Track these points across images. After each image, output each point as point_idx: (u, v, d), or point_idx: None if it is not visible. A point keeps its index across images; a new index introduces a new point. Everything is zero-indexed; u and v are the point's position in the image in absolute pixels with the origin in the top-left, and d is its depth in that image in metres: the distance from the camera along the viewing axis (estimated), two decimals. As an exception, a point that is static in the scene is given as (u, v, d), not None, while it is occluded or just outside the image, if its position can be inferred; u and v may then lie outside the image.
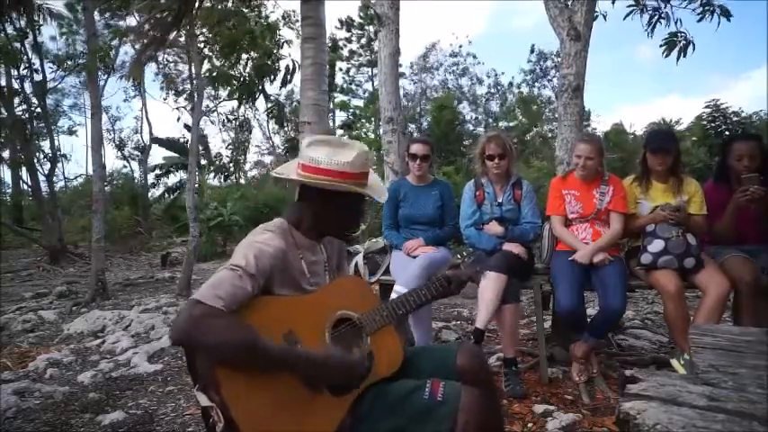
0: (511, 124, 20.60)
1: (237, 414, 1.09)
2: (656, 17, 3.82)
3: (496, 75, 21.95)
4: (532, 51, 20.81)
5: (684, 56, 3.74)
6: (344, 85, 23.46)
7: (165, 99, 17.76)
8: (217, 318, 1.09)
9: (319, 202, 1.37)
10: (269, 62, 7.33)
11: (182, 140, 17.65)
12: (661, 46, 3.76)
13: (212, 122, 19.18)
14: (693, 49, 3.72)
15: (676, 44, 3.72)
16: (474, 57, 22.00)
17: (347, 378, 1.25)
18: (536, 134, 19.99)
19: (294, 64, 6.63)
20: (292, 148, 17.30)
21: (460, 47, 21.91)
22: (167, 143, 17.51)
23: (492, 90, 22.10)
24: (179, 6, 4.26)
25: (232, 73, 7.73)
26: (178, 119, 18.23)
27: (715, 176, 2.96)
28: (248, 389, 1.13)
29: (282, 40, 7.41)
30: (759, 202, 2.53)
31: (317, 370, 1.20)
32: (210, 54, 7.76)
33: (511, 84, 22.16)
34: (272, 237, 1.32)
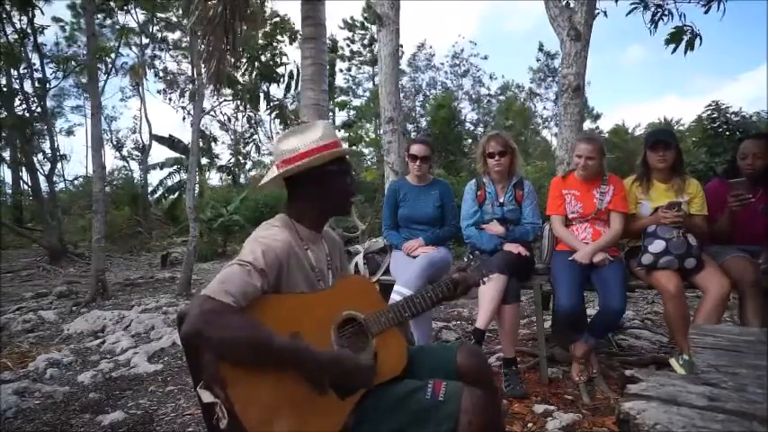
0: (508, 123, 20.57)
1: (242, 411, 1.09)
2: (658, 14, 3.78)
3: (503, 78, 21.93)
4: (541, 49, 20.69)
5: (692, 49, 3.66)
6: (345, 85, 23.48)
7: (170, 100, 17.77)
8: (227, 314, 1.09)
9: (308, 187, 1.40)
10: (272, 63, 7.33)
11: (185, 143, 17.63)
12: (666, 41, 3.72)
13: (219, 122, 19.13)
14: (701, 42, 3.65)
15: (682, 38, 3.67)
16: (484, 57, 22.02)
17: (352, 381, 1.24)
18: (531, 132, 20.03)
19: (297, 69, 6.66)
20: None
21: (462, 50, 21.90)
22: (169, 142, 17.48)
23: (493, 93, 22.00)
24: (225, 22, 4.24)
25: (235, 75, 7.72)
26: (184, 118, 18.15)
27: (723, 173, 2.96)
28: (254, 386, 1.13)
29: (285, 42, 7.38)
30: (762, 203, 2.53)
31: (324, 369, 1.19)
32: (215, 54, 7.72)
33: (518, 86, 22.14)
34: (278, 231, 1.34)
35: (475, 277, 1.56)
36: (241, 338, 1.09)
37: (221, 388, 1.10)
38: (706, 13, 3.66)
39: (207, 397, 1.12)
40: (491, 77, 22.09)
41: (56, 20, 11.76)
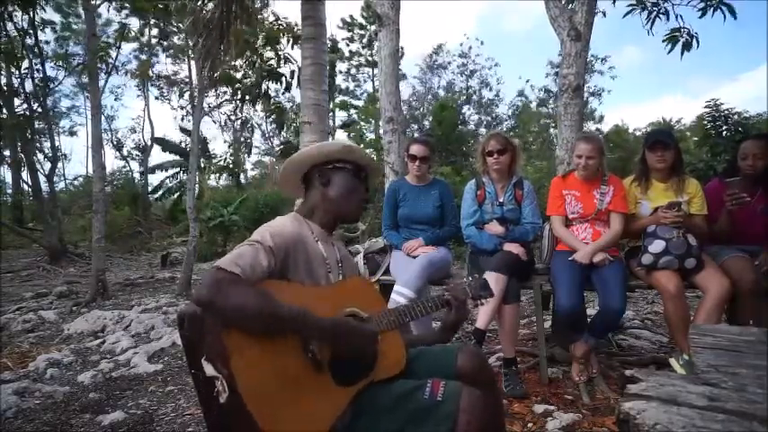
0: (512, 124, 20.52)
1: (243, 386, 1.11)
2: (654, 12, 3.80)
3: (500, 81, 21.76)
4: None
5: (688, 51, 3.69)
6: (345, 87, 23.45)
7: (169, 101, 17.82)
8: (237, 282, 1.15)
9: (313, 184, 1.50)
10: (273, 62, 7.32)
11: (182, 143, 17.67)
12: (663, 41, 3.73)
13: (214, 122, 19.18)
14: (698, 44, 3.67)
15: (678, 40, 3.69)
16: (496, 64, 21.93)
17: (355, 346, 1.28)
18: (536, 135, 20.00)
19: (297, 70, 6.65)
20: (286, 152, 17.12)
21: (470, 48, 21.77)
22: (168, 145, 17.50)
23: (499, 96, 21.82)
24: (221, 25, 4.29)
25: (234, 74, 7.71)
26: (182, 118, 18.19)
27: (723, 172, 2.96)
28: (256, 363, 1.15)
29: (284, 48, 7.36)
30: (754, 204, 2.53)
31: (326, 333, 1.23)
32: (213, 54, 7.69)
33: (522, 94, 22.03)
34: (288, 223, 1.40)
35: (464, 293, 1.58)
36: (249, 305, 1.13)
37: (224, 363, 1.12)
38: (701, 17, 3.67)
39: (210, 370, 1.14)
40: (498, 82, 21.91)
41: (45, 22, 11.91)
